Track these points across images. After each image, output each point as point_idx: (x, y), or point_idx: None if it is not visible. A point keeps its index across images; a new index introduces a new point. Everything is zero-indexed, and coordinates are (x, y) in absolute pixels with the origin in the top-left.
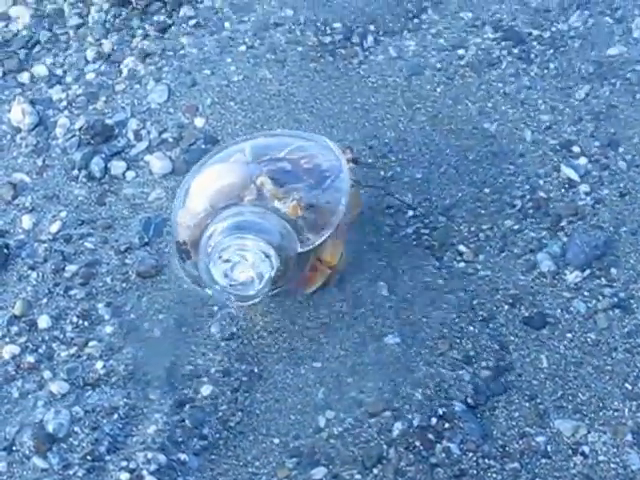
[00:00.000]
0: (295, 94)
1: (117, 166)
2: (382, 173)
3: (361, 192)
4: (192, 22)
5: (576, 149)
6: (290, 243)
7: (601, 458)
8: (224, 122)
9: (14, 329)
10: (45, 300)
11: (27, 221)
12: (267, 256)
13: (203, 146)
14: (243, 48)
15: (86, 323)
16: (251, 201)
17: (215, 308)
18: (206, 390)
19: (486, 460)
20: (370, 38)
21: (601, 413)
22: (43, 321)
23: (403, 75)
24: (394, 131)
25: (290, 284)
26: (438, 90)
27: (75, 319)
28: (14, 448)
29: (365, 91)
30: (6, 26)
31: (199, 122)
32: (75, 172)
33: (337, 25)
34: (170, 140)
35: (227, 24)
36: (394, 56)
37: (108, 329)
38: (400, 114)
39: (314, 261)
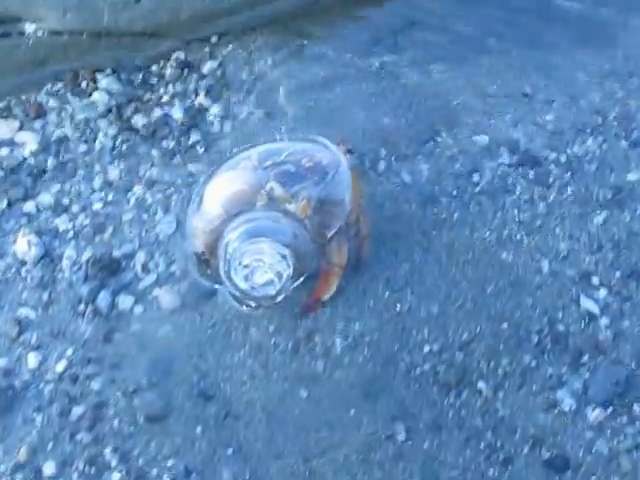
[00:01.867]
0: None
1: (125, 301)
2: (398, 307)
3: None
4: (200, 148)
5: (595, 280)
6: (303, 241)
7: None
8: None
9: (19, 477)
10: (51, 445)
11: (32, 360)
12: (283, 256)
13: None
14: None
15: (93, 470)
16: (263, 206)
17: (230, 450)
18: None
19: None
20: (382, 163)
21: None
22: (48, 468)
23: (418, 202)
24: (409, 262)
25: (306, 299)
26: (454, 218)
27: (81, 465)
28: None
29: (380, 221)
30: (11, 152)
31: None
32: (82, 307)
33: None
34: (179, 273)
35: (236, 151)
36: (408, 182)
37: (115, 476)
38: (415, 244)
39: (324, 266)
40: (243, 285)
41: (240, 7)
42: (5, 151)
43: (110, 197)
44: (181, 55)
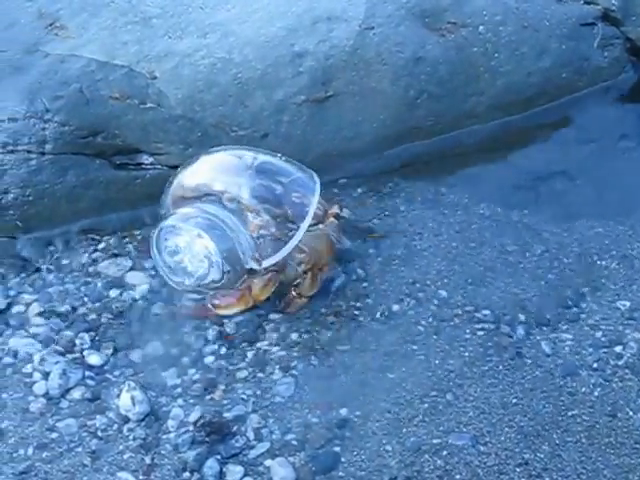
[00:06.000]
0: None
1: (234, 471)
2: None
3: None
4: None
5: None
6: (243, 255)
7: None
8: None
9: None
10: None
11: None
12: (210, 260)
13: (336, 448)
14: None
15: None
16: (229, 199)
17: None
18: None
19: None
20: (521, 330)
21: None
22: None
23: (558, 374)
24: (549, 443)
25: (214, 296)
26: (595, 394)
27: None
28: None
29: (515, 390)
30: (121, 294)
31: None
32: (186, 474)
33: (486, 312)
34: (294, 443)
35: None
36: (548, 352)
37: None
38: (555, 423)
39: (244, 288)
40: (165, 256)
41: (372, 149)
42: (114, 293)
43: (224, 350)
44: None
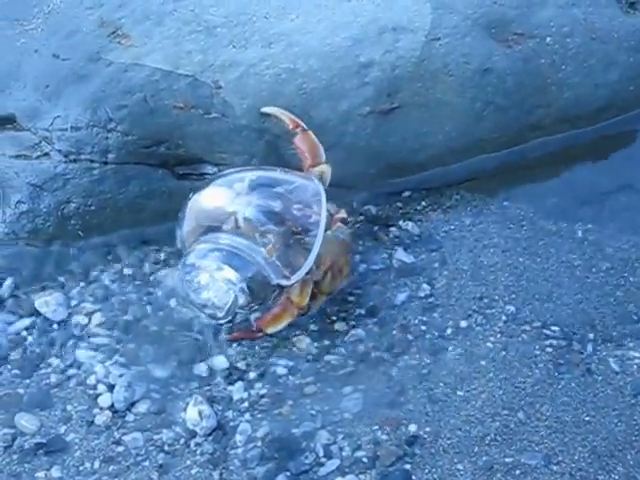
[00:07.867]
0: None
1: None
2: None
3: None
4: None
5: None
6: (268, 274)
7: None
8: None
9: None
10: None
11: None
12: (234, 289)
13: (406, 466)
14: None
15: None
16: (228, 230)
17: None
18: None
19: None
20: (589, 347)
21: None
22: None
23: (628, 393)
24: (623, 464)
25: (257, 319)
26: None
27: None
28: None
29: (587, 408)
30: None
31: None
32: None
33: (555, 328)
34: (365, 460)
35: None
36: (616, 370)
37: None
38: (628, 443)
39: (285, 300)
40: (191, 294)
41: (437, 161)
42: (175, 303)
43: (291, 365)
44: (372, 209)
